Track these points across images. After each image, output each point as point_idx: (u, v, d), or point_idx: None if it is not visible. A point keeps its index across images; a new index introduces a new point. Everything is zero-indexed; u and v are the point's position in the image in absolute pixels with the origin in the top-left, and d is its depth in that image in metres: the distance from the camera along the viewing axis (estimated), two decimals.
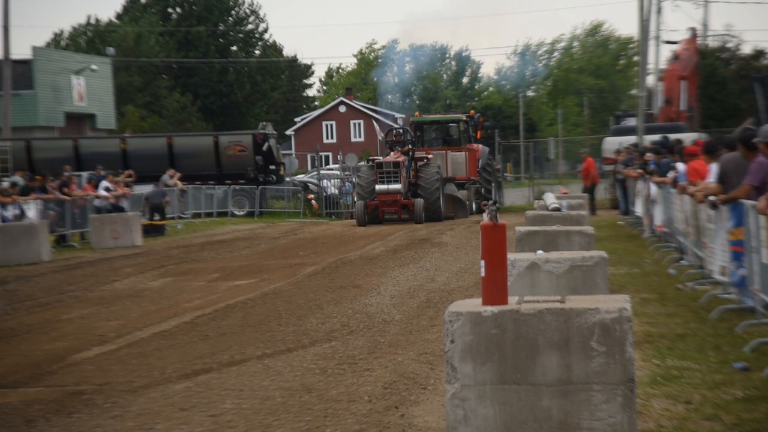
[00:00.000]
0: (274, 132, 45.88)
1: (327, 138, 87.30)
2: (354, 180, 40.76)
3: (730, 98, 49.89)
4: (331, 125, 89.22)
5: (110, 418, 8.56)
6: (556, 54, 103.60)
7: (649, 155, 24.14)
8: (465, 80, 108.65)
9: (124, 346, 12.00)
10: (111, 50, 62.18)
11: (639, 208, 25.47)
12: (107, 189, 30.79)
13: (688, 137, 27.24)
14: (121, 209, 30.37)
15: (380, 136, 41.63)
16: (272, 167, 43.50)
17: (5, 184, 27.45)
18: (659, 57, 52.74)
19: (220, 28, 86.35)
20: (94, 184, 30.88)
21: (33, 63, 51.89)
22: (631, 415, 5.98)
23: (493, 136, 48.07)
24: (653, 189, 21.49)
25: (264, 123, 45.92)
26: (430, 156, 36.98)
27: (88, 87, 55.55)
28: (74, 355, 11.52)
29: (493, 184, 39.26)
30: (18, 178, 28.96)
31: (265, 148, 42.92)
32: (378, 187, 34.42)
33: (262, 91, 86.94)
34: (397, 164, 34.46)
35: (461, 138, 38.86)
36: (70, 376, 10.39)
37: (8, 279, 20.33)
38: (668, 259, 18.12)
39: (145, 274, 20.31)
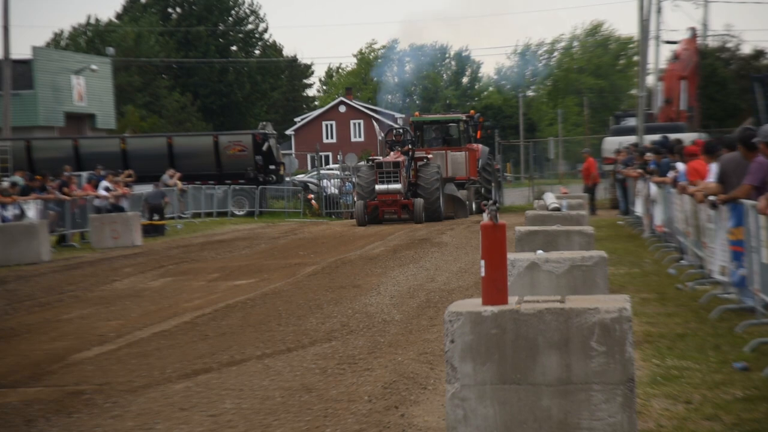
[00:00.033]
0: (274, 132, 45.88)
1: (327, 138, 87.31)
2: (354, 180, 40.76)
3: (730, 98, 49.89)
4: (331, 125, 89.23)
5: (110, 418, 8.56)
6: (556, 54, 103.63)
7: (649, 155, 24.14)
8: (465, 80, 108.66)
9: (124, 346, 12.00)
10: (111, 50, 62.19)
11: (639, 208, 25.47)
12: (107, 189, 30.80)
13: (688, 137, 27.25)
14: (121, 209, 30.37)
15: (380, 136, 41.64)
16: (272, 167, 43.50)
17: (5, 184, 27.45)
18: (659, 57, 52.85)
19: (220, 28, 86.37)
20: (94, 184, 30.88)
21: (33, 63, 51.89)
22: (631, 415, 5.98)
23: (493, 136, 48.07)
24: (653, 189, 21.49)
25: (264, 123, 45.92)
26: (430, 156, 36.98)
27: (88, 87, 55.55)
28: (74, 355, 11.52)
29: (493, 184, 39.26)
30: (18, 178, 28.97)
31: (265, 148, 42.91)
32: (378, 187, 34.42)
33: (262, 91, 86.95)
34: (397, 164, 34.46)
35: (461, 138, 38.86)
36: (70, 376, 10.39)
37: (8, 279, 20.33)
38: (668, 259, 18.12)
39: (145, 274, 20.31)
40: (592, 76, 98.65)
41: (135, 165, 39.40)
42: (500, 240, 6.32)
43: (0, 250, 23.65)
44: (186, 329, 12.99)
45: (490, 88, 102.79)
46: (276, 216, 42.81)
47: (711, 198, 12.99)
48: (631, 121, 40.92)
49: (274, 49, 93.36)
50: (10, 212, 25.84)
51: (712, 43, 54.75)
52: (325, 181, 45.46)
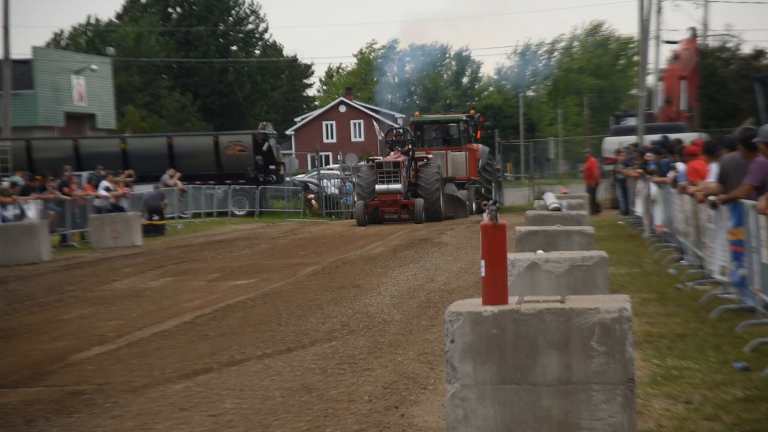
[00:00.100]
0: (274, 132, 45.88)
1: (327, 138, 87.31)
2: (354, 180, 40.76)
3: (730, 98, 49.88)
4: (331, 125, 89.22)
5: (110, 418, 8.56)
6: (556, 54, 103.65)
7: (649, 155, 24.14)
8: (465, 80, 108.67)
9: (124, 346, 12.00)
10: (111, 50, 62.17)
11: (639, 208, 25.47)
12: (107, 189, 30.80)
13: (688, 137, 27.26)
14: (121, 209, 30.37)
15: (380, 136, 41.63)
16: (272, 167, 43.50)
17: (5, 184, 27.46)
18: (659, 57, 52.78)
19: (220, 28, 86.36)
20: (94, 184, 30.88)
21: (33, 63, 51.89)
22: (631, 415, 5.98)
23: (493, 136, 48.08)
24: (653, 189, 21.49)
25: (264, 123, 45.92)
26: (430, 156, 36.98)
27: (88, 87, 55.55)
28: (74, 355, 11.52)
29: (493, 184, 39.26)
30: (18, 178, 28.98)
31: (265, 148, 42.91)
32: (378, 187, 34.42)
33: (262, 91, 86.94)
34: (397, 164, 34.46)
35: (461, 138, 38.86)
36: (70, 376, 10.39)
37: (8, 279, 20.33)
38: (668, 259, 18.12)
39: (145, 274, 20.31)
40: (592, 76, 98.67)
41: (135, 165, 39.40)
42: (500, 240, 6.32)
43: (0, 250, 23.65)
44: (186, 329, 12.99)
45: (490, 88, 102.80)
46: (276, 216, 42.81)
47: (711, 198, 12.99)
48: (631, 121, 40.91)
49: (274, 49, 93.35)
50: (10, 212, 25.85)
51: (712, 43, 54.80)
52: (325, 181, 45.46)
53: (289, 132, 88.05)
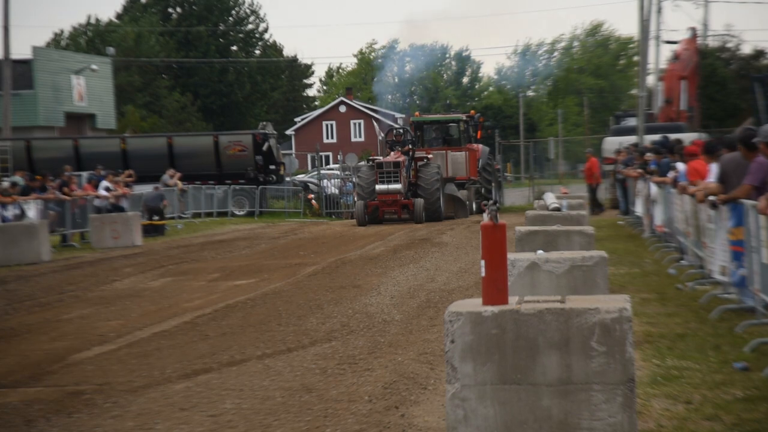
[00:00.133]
0: (274, 132, 45.88)
1: (327, 138, 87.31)
2: (354, 180, 40.76)
3: (730, 98, 49.89)
4: (331, 125, 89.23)
5: (110, 418, 8.56)
6: (556, 54, 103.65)
7: (649, 155, 24.14)
8: (465, 80, 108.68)
9: (124, 346, 12.00)
10: (111, 50, 62.18)
11: (639, 208, 25.47)
12: (107, 189, 30.80)
13: (688, 137, 27.25)
14: (121, 209, 30.37)
15: (380, 136, 41.64)
16: (272, 167, 43.50)
17: (5, 184, 27.46)
18: (659, 57, 52.76)
19: (220, 28, 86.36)
20: (94, 184, 30.88)
21: (33, 63, 51.89)
22: (631, 415, 5.98)
23: (493, 136, 48.08)
24: (653, 189, 21.49)
25: (264, 123, 45.91)
26: (430, 156, 36.99)
27: (88, 87, 55.56)
28: (74, 355, 11.52)
29: (493, 184, 39.26)
30: (18, 178, 28.98)
31: (265, 148, 42.91)
32: (378, 187, 34.43)
33: (262, 91, 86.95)
34: (397, 164, 34.46)
35: (461, 138, 38.86)
36: (70, 376, 10.39)
37: (8, 279, 20.33)
38: (668, 259, 18.12)
39: (145, 274, 20.31)
40: (592, 76, 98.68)
41: (135, 165, 39.40)
42: (500, 240, 6.32)
43: (0, 250, 23.65)
44: (186, 329, 12.99)
45: (490, 88, 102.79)
46: (276, 216, 42.81)
47: (711, 198, 12.99)
48: (631, 121, 40.91)
49: (274, 49, 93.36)
50: (11, 212, 25.85)
51: (712, 43, 54.80)
52: (325, 181, 45.47)
53: (289, 132, 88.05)
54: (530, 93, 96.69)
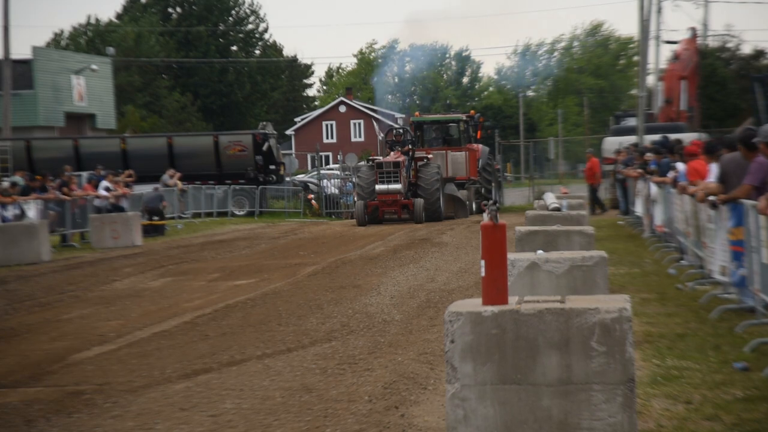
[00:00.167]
0: (274, 132, 45.88)
1: (327, 138, 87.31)
2: (354, 180, 40.77)
3: (730, 98, 49.89)
4: (331, 125, 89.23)
5: (110, 418, 8.56)
6: (556, 54, 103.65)
7: (649, 155, 24.14)
8: (465, 80, 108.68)
9: (124, 346, 12.00)
10: (111, 50, 62.18)
11: (639, 208, 25.47)
12: (107, 189, 30.80)
13: (688, 137, 27.25)
14: (121, 209, 30.37)
15: (380, 136, 41.65)
16: (272, 167, 43.50)
17: (5, 184, 27.46)
18: (659, 57, 52.76)
19: (220, 28, 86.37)
20: (94, 184, 30.88)
21: (33, 63, 51.89)
22: (631, 415, 5.98)
23: (493, 136, 48.08)
24: (653, 189, 21.49)
25: (264, 123, 45.92)
26: (430, 156, 36.99)
27: (88, 87, 55.55)
28: (74, 355, 11.52)
29: (493, 184, 39.26)
30: (18, 178, 28.98)
31: (265, 148, 42.92)
32: (378, 187, 34.43)
33: (262, 91, 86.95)
34: (397, 164, 34.47)
35: (461, 138, 38.87)
36: (70, 376, 10.39)
37: (8, 279, 20.33)
38: (668, 259, 18.12)
39: (145, 274, 20.31)
40: (592, 76, 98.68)
41: (135, 165, 39.40)
42: (500, 240, 6.32)
43: (0, 250, 23.65)
44: (186, 329, 12.99)
45: (490, 88, 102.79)
46: (276, 216, 42.81)
47: (711, 198, 13.00)
48: (631, 121, 40.91)
49: (274, 49, 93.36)
50: (11, 212, 25.85)
51: (712, 43, 54.80)
52: (325, 181, 45.47)
53: (289, 132, 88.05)
54: (530, 93, 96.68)
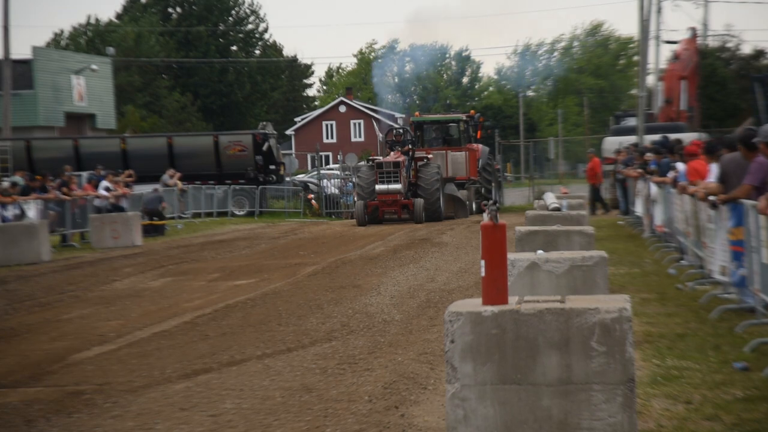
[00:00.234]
0: (274, 132, 45.88)
1: (327, 138, 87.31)
2: (354, 180, 40.77)
3: (730, 98, 49.89)
4: (331, 125, 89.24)
5: (110, 418, 8.56)
6: (556, 54, 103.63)
7: (649, 155, 24.15)
8: (465, 80, 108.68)
9: (124, 346, 12.00)
10: (111, 50, 62.18)
11: (639, 208, 25.47)
12: (107, 189, 30.80)
13: (688, 137, 27.25)
14: (121, 209, 30.37)
15: (380, 136, 41.67)
16: (272, 167, 43.50)
17: (5, 184, 27.46)
18: (659, 57, 52.78)
19: (220, 28, 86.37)
20: (94, 184, 30.89)
21: (33, 63, 51.89)
22: (631, 415, 5.98)
23: (493, 136, 48.07)
24: (653, 189, 21.50)
25: (264, 123, 45.92)
26: (430, 156, 36.99)
27: (88, 87, 55.56)
28: (74, 355, 11.52)
29: (493, 184, 39.25)
30: (18, 178, 28.97)
31: (265, 148, 42.92)
32: (378, 187, 34.43)
33: (262, 91, 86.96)
34: (397, 164, 34.47)
35: (461, 138, 38.87)
36: (70, 376, 10.39)
37: (8, 279, 20.33)
38: (668, 259, 18.12)
39: (145, 274, 20.31)
40: (592, 76, 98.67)
41: (135, 165, 39.40)
42: (500, 240, 6.32)
43: (0, 250, 23.65)
44: (186, 329, 12.99)
45: (490, 88, 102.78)
46: (276, 216, 42.81)
47: (711, 198, 13.00)
48: (631, 121, 40.91)
49: (274, 49, 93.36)
50: (11, 212, 25.85)
51: (712, 43, 54.80)
52: (325, 181, 45.47)
53: (289, 132, 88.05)
54: (530, 93, 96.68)
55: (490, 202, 6.57)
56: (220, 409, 8.64)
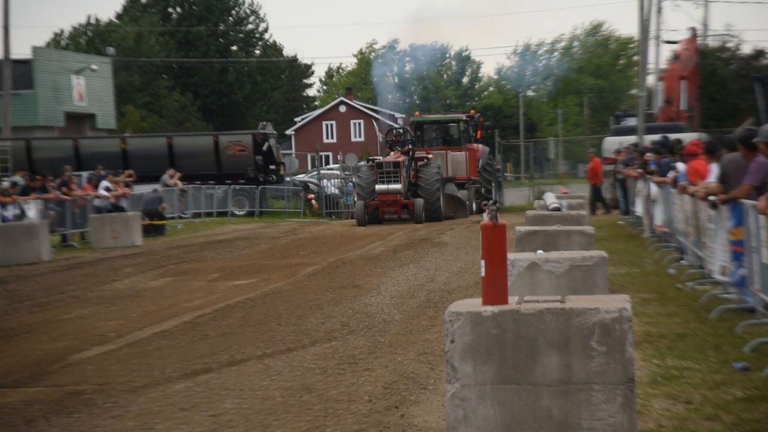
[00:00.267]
0: (274, 132, 45.88)
1: (327, 138, 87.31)
2: (354, 180, 40.77)
3: (730, 98, 49.89)
4: (331, 125, 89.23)
5: (110, 418, 8.57)
6: (556, 54, 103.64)
7: (649, 155, 24.15)
8: (465, 80, 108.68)
9: (124, 346, 12.00)
10: (111, 50, 62.18)
11: (639, 208, 25.48)
12: (107, 189, 30.80)
13: (688, 137, 27.25)
14: (121, 209, 30.37)
15: (380, 136, 41.67)
16: (272, 167, 43.50)
17: (5, 184, 27.46)
18: (659, 57, 52.77)
19: (220, 28, 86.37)
20: (94, 184, 30.88)
21: (33, 63, 51.89)
22: (631, 415, 5.98)
23: (493, 136, 48.07)
24: (653, 189, 21.50)
25: (264, 123, 45.91)
26: (430, 156, 36.99)
27: (88, 87, 55.56)
28: (74, 355, 11.52)
29: (493, 184, 39.26)
30: (18, 178, 28.97)
31: (265, 147, 42.92)
32: (378, 187, 34.43)
33: (262, 91, 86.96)
34: (397, 164, 34.47)
35: (461, 138, 38.87)
36: (70, 376, 10.39)
37: (8, 279, 20.33)
38: (668, 259, 18.12)
39: (145, 274, 20.31)
40: (592, 76, 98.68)
41: (135, 165, 39.39)
42: (500, 240, 6.32)
43: (0, 250, 23.65)
44: (186, 329, 12.99)
45: (491, 88, 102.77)
46: (276, 216, 42.81)
47: (711, 198, 13.00)
48: (631, 121, 40.91)
49: (275, 49, 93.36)
50: (11, 212, 25.85)
51: (712, 43, 54.79)
52: (325, 181, 45.48)
53: (289, 132, 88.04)
54: (530, 93, 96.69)
55: (490, 202, 6.57)
56: (220, 409, 8.64)
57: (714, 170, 14.18)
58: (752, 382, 8.64)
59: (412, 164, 35.87)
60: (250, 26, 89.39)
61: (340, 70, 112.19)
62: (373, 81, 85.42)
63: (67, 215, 28.55)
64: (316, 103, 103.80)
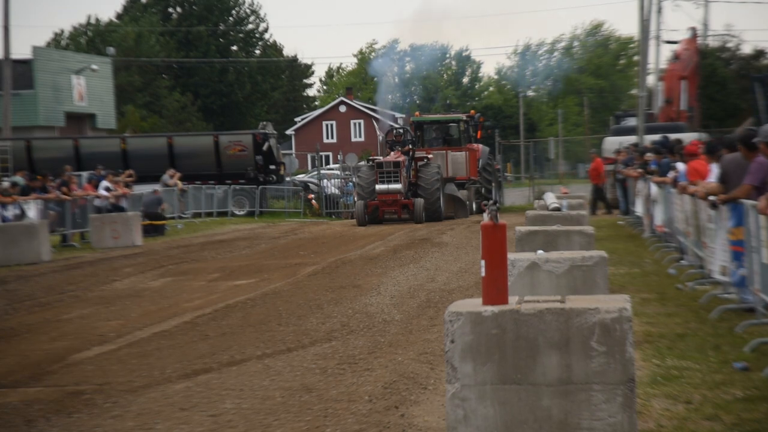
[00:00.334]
0: (275, 132, 45.88)
1: (327, 138, 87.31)
2: (354, 180, 40.76)
3: (730, 98, 49.90)
4: (331, 125, 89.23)
5: (110, 418, 8.56)
6: (556, 54, 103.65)
7: (649, 155, 24.15)
8: (465, 80, 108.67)
9: (124, 346, 12.00)
10: (111, 50, 62.17)
11: (639, 208, 25.48)
12: (107, 189, 30.80)
13: (688, 137, 27.25)
14: (121, 209, 30.37)
15: (380, 136, 41.68)
16: (272, 167, 43.50)
17: (5, 184, 27.46)
18: (659, 57, 52.75)
19: (221, 27, 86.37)
20: (95, 184, 30.88)
21: (33, 63, 51.89)
22: (631, 415, 5.98)
23: (493, 136, 48.07)
24: (653, 189, 21.50)
25: (264, 123, 45.92)
26: (430, 156, 36.99)
27: (89, 87, 55.56)
28: (74, 355, 11.52)
29: (493, 184, 39.26)
30: (18, 178, 28.96)
31: (265, 147, 42.92)
32: (378, 187, 34.44)
33: (263, 91, 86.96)
34: (397, 164, 34.47)
35: (461, 138, 38.87)
36: (70, 376, 10.39)
37: (8, 279, 20.33)
38: (668, 259, 18.12)
39: (145, 274, 20.31)
40: (592, 76, 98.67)
41: (135, 165, 39.38)
42: (500, 240, 6.32)
43: (0, 250, 23.65)
44: (186, 329, 12.99)
45: (491, 88, 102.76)
46: (276, 216, 42.81)
47: (711, 198, 13.00)
48: (631, 121, 40.90)
49: (275, 49, 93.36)
50: (11, 212, 25.84)
51: (712, 43, 54.80)
52: (325, 181, 45.48)
53: (289, 132, 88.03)
54: (530, 93, 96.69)
55: (490, 202, 6.57)
56: (220, 409, 8.65)
57: (714, 170, 14.18)
58: (752, 382, 8.64)
59: (412, 164, 35.88)
60: (250, 26, 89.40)
61: (340, 70, 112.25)
62: (371, 75, 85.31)
63: (67, 215, 28.54)
64: (316, 103, 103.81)
